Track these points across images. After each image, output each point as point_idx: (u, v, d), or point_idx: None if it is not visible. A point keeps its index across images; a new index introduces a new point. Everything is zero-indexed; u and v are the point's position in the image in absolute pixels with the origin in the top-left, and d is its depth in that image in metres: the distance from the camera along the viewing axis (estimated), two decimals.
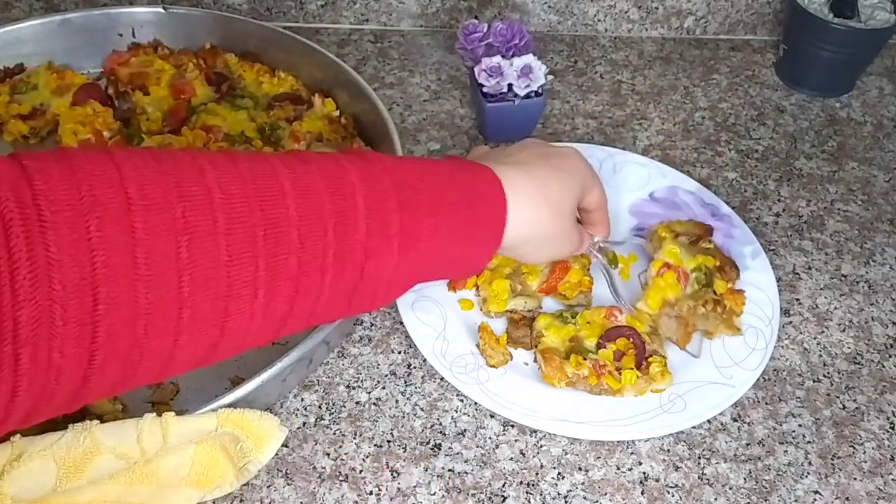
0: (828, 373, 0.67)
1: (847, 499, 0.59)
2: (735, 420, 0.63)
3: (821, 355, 0.68)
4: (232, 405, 0.55)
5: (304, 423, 0.61)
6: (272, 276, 0.42)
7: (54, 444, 0.51)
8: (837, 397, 0.65)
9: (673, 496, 0.58)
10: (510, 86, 0.79)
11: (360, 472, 0.58)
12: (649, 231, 0.72)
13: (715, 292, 0.66)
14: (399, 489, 0.57)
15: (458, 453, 0.60)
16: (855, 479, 0.60)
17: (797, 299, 0.72)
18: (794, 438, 0.62)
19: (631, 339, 0.64)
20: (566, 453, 0.60)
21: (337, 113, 0.80)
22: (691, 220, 0.73)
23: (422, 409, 0.62)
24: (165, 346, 0.40)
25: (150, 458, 0.52)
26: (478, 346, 0.65)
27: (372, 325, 0.67)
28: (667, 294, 0.65)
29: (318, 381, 0.63)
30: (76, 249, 0.36)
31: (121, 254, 0.37)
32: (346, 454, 0.59)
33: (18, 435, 0.51)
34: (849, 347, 0.69)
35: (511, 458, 0.60)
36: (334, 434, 0.60)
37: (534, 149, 0.58)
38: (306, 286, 0.44)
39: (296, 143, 0.76)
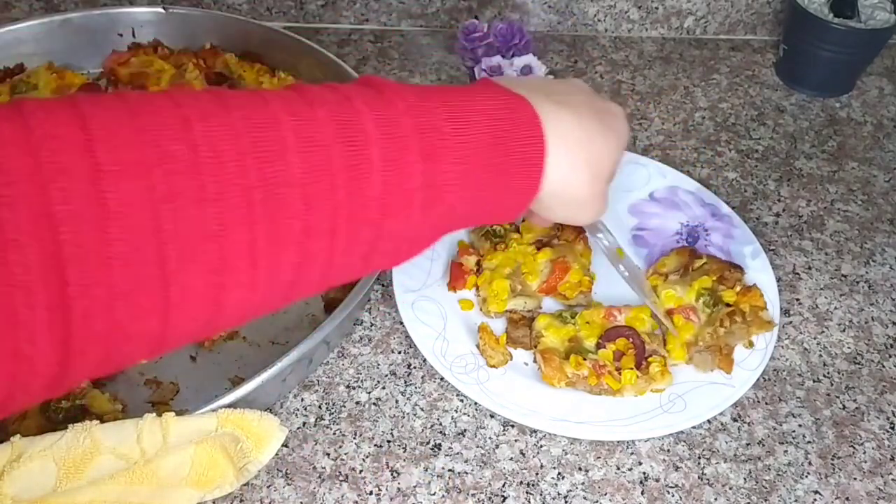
0: (828, 373, 0.67)
1: (847, 499, 0.59)
2: (735, 420, 0.63)
3: (821, 355, 0.68)
4: (232, 405, 0.55)
5: (304, 423, 0.61)
6: (273, 244, 0.37)
7: (54, 445, 0.51)
8: (837, 397, 0.65)
9: (673, 496, 0.58)
10: None
11: (360, 472, 0.58)
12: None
13: (728, 304, 0.65)
14: (399, 489, 0.57)
15: (458, 453, 0.60)
16: (855, 479, 0.60)
17: (797, 299, 0.72)
18: (794, 438, 0.62)
19: (630, 339, 0.64)
20: (566, 453, 0.60)
21: None
22: (671, 252, 0.71)
23: (422, 409, 0.62)
24: (153, 326, 0.36)
25: (151, 459, 0.52)
26: (478, 346, 0.65)
27: (372, 325, 0.67)
28: (684, 337, 0.65)
29: (318, 381, 0.63)
30: (36, 227, 0.31)
31: (91, 229, 0.32)
32: (346, 454, 0.59)
33: (18, 435, 0.51)
34: (849, 347, 0.69)
35: (511, 458, 0.60)
36: (334, 434, 0.60)
37: (584, 96, 0.51)
38: (315, 251, 0.39)
39: None
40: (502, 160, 0.45)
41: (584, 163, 0.48)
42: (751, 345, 0.65)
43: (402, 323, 0.66)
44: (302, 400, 0.62)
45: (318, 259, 0.40)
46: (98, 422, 0.53)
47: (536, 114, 0.46)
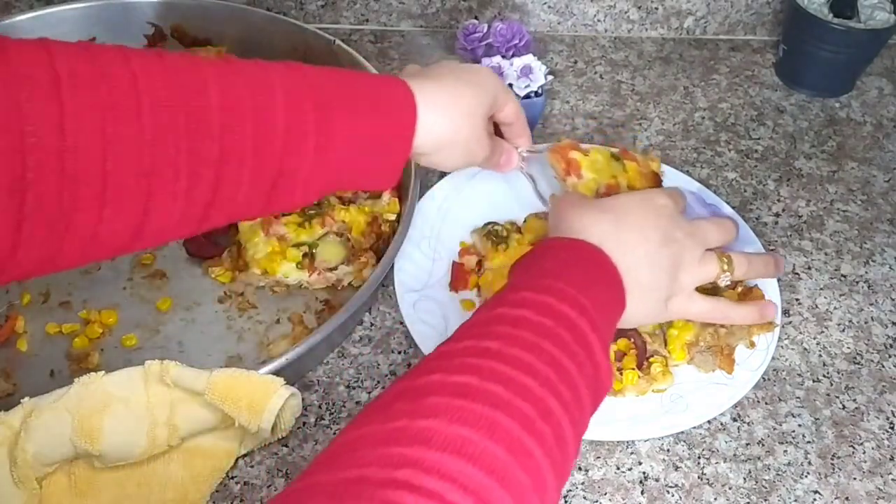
0: (828, 373, 0.67)
1: (847, 499, 0.59)
2: (735, 420, 0.63)
3: (821, 355, 0.68)
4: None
5: (304, 423, 0.61)
6: (194, 161, 0.45)
7: (63, 397, 0.52)
8: (837, 397, 0.65)
9: (673, 496, 0.58)
10: (510, 86, 0.79)
11: None
12: None
13: None
14: None
15: None
16: (855, 479, 0.60)
17: (797, 299, 0.72)
18: (793, 438, 0.62)
19: (632, 340, 0.64)
20: None
21: (391, 217, 0.71)
22: None
23: None
24: (90, 219, 0.43)
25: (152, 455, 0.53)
26: None
27: (372, 325, 0.67)
28: (684, 337, 0.64)
29: (318, 381, 0.63)
30: (6, 119, 0.39)
31: (50, 125, 0.40)
32: None
33: (27, 397, 0.52)
34: (848, 347, 0.69)
35: None
36: (334, 434, 0.60)
37: (447, 66, 0.63)
38: (227, 175, 0.47)
39: (321, 226, 0.69)
40: (381, 122, 0.54)
41: (454, 110, 0.58)
42: (752, 345, 0.65)
43: (402, 323, 0.66)
44: (302, 400, 0.62)
45: (229, 184, 0.48)
46: (103, 372, 0.53)
47: (409, 88, 0.56)
